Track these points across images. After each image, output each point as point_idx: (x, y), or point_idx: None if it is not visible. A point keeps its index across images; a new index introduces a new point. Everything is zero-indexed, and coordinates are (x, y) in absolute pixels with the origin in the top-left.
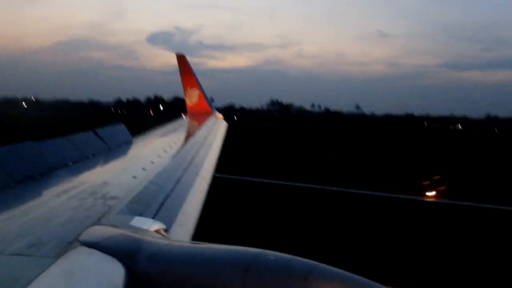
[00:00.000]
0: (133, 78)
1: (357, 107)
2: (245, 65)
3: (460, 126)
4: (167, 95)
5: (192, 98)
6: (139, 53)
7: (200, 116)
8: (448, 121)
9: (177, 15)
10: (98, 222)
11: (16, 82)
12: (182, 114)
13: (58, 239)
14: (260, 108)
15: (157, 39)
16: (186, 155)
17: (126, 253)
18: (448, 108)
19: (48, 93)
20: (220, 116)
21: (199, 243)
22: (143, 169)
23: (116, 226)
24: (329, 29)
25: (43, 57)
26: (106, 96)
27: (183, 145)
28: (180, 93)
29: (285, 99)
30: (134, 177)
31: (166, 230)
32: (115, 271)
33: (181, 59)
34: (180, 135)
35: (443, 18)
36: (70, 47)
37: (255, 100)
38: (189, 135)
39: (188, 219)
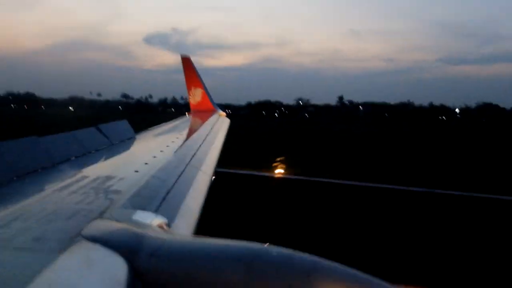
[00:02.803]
0: (132, 78)
1: (341, 98)
2: (242, 63)
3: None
4: (167, 95)
5: (195, 97)
6: (137, 54)
7: (203, 114)
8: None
9: (174, 16)
10: (100, 216)
11: (15, 83)
12: (186, 112)
13: (61, 233)
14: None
15: (155, 40)
16: (189, 150)
17: (129, 248)
18: (446, 100)
19: (48, 94)
20: (223, 113)
21: (201, 238)
22: (146, 163)
23: (118, 221)
24: (326, 27)
25: (42, 58)
26: (108, 94)
27: (185, 141)
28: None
29: (283, 96)
30: (136, 172)
31: (168, 225)
32: (118, 266)
33: (186, 60)
34: (183, 132)
35: (439, 16)
36: (68, 48)
37: (253, 97)
38: (192, 132)
39: (190, 213)
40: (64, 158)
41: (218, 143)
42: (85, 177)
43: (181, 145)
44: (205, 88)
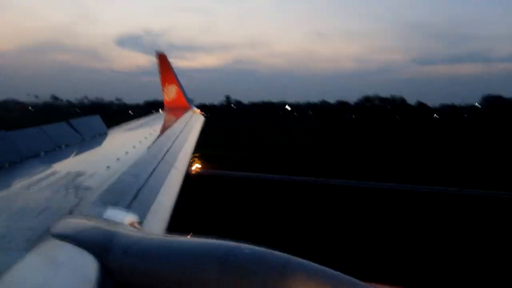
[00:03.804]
0: (103, 80)
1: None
2: (216, 65)
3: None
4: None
5: (170, 94)
6: (108, 56)
7: (178, 111)
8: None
9: (145, 18)
10: (70, 213)
11: None
12: (160, 109)
13: (28, 231)
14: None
15: (127, 41)
16: (162, 146)
17: (99, 246)
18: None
19: (17, 96)
20: (197, 110)
21: (174, 236)
22: (118, 159)
23: (89, 218)
24: (298, 29)
25: (10, 60)
26: (75, 96)
27: (158, 137)
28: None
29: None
30: (108, 168)
31: (140, 222)
32: (88, 264)
33: (162, 57)
34: (156, 128)
35: (409, 16)
36: (37, 50)
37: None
38: (165, 128)
39: (163, 210)
40: (33, 153)
41: (192, 140)
42: (54, 172)
43: (154, 141)
44: (180, 85)
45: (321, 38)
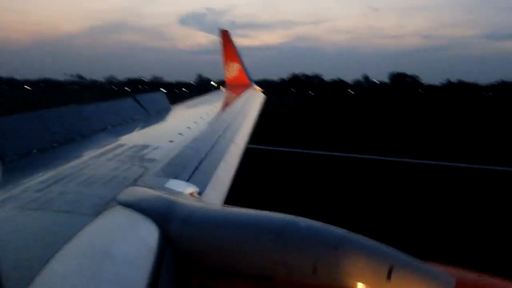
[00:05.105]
0: (168, 59)
1: (366, 78)
2: (278, 42)
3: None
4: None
5: (231, 72)
6: (172, 35)
7: (239, 88)
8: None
9: None
10: (135, 183)
11: (55, 66)
12: (221, 87)
13: (96, 198)
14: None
15: (189, 20)
16: (222, 122)
17: (161, 214)
18: (491, 77)
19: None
20: (258, 88)
21: (231, 208)
22: (180, 134)
23: (152, 188)
24: (362, 3)
25: (80, 41)
26: (147, 75)
27: (220, 114)
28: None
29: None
30: (171, 142)
31: (199, 193)
32: (150, 231)
33: (225, 33)
34: (218, 105)
35: None
36: (104, 31)
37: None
38: (226, 105)
39: (222, 183)
40: (102, 127)
41: (252, 117)
42: (121, 145)
43: (215, 118)
44: (242, 63)
45: (389, 12)
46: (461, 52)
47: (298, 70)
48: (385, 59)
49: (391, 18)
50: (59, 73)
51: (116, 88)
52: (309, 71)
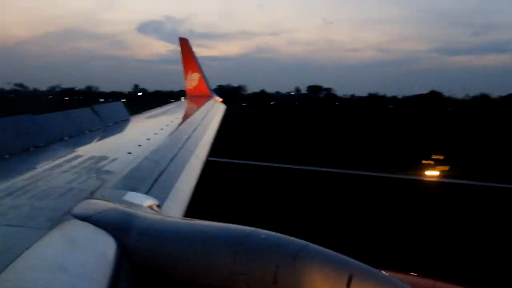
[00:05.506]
0: (124, 68)
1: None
2: (236, 53)
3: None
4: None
5: (192, 82)
6: (130, 43)
7: (199, 99)
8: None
9: (167, 4)
10: (91, 195)
11: (6, 73)
12: (181, 97)
13: (51, 211)
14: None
15: (148, 28)
16: (182, 134)
17: (118, 227)
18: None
19: (40, 84)
20: (219, 99)
21: (191, 220)
22: (139, 145)
23: (109, 200)
24: (320, 16)
25: (34, 47)
26: (102, 85)
27: (180, 125)
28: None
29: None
30: (129, 153)
31: (158, 206)
32: (107, 244)
33: (184, 42)
34: (178, 115)
35: (433, 4)
36: (60, 37)
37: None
38: (186, 116)
39: (181, 196)
40: (58, 137)
41: (213, 128)
42: (78, 156)
43: (175, 129)
44: (202, 73)
45: (339, 26)
46: (412, 66)
47: (257, 81)
48: (341, 70)
49: (345, 31)
50: (2, 82)
51: (50, 97)
52: (267, 83)
